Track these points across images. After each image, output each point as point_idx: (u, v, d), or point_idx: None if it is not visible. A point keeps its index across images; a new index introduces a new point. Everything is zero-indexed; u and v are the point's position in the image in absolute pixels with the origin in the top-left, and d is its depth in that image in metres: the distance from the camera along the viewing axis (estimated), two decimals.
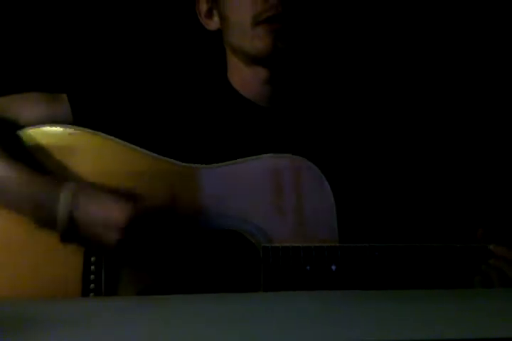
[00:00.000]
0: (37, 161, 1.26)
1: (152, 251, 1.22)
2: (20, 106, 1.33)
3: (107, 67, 1.68)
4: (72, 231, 1.18)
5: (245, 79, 1.40)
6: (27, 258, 1.23)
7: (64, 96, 1.35)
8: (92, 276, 1.22)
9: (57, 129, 1.30)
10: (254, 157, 1.29)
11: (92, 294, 1.21)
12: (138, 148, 1.29)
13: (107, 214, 1.17)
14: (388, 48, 1.75)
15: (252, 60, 1.36)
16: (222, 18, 1.38)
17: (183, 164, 1.28)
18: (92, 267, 1.23)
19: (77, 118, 1.33)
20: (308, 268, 1.23)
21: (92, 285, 1.22)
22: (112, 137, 1.29)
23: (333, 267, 1.23)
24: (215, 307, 0.95)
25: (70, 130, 1.30)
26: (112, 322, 0.87)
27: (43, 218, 1.20)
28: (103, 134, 1.29)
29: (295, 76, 1.43)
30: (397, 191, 1.45)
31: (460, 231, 1.47)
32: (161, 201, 1.25)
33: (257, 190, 1.28)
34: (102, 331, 0.82)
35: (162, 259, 1.24)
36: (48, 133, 1.29)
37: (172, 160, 1.28)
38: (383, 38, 1.74)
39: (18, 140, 1.28)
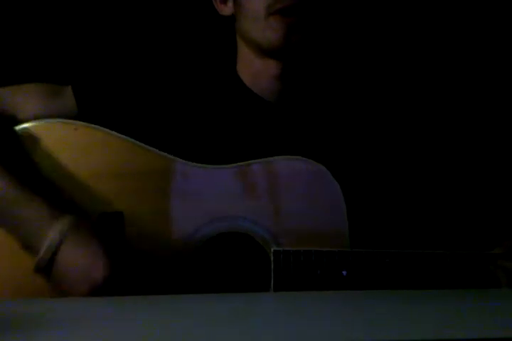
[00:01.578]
0: (36, 158, 1.25)
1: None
2: (21, 97, 1.30)
3: (112, 59, 1.67)
4: (47, 268, 1.15)
5: (255, 72, 1.38)
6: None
7: (68, 88, 1.34)
8: None
9: (59, 124, 1.28)
10: (263, 159, 1.28)
11: None
12: (143, 145, 1.27)
13: (87, 269, 1.14)
14: (402, 46, 1.73)
15: (263, 51, 1.34)
16: (237, 5, 1.36)
17: (190, 163, 1.27)
18: None
19: (82, 111, 1.31)
20: (318, 272, 1.22)
21: None
22: (117, 133, 1.27)
23: (344, 272, 1.22)
24: (215, 307, 0.95)
25: (73, 125, 1.27)
26: (112, 322, 0.86)
27: (27, 243, 1.17)
28: (108, 130, 1.27)
29: (307, 71, 1.41)
30: (410, 197, 1.44)
31: (470, 239, 1.46)
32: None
33: (266, 192, 1.27)
34: (102, 331, 0.82)
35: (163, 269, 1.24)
36: (50, 128, 1.27)
37: (179, 159, 1.27)
38: (396, 37, 1.73)
39: (16, 137, 1.26)
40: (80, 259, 1.14)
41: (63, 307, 0.98)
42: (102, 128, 1.27)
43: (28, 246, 1.17)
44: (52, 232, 1.15)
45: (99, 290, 1.13)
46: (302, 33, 1.31)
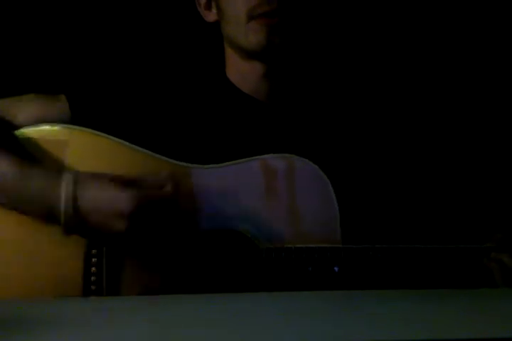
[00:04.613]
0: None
1: (155, 246, 1.22)
2: (17, 108, 1.30)
3: (104, 66, 1.67)
4: (75, 222, 1.17)
5: (243, 73, 1.40)
6: (25, 257, 1.22)
7: (62, 96, 1.34)
8: (93, 278, 1.22)
9: (55, 129, 1.28)
10: (255, 157, 1.28)
11: (93, 296, 1.20)
12: (138, 148, 1.27)
13: (112, 202, 1.16)
14: (387, 43, 1.74)
15: (248, 54, 1.36)
16: (220, 11, 1.38)
17: (183, 164, 1.27)
18: (93, 268, 1.22)
19: (76, 119, 1.31)
20: (310, 269, 1.23)
21: (93, 287, 1.22)
22: (111, 137, 1.27)
23: (336, 268, 1.23)
24: (215, 307, 0.95)
25: (69, 130, 1.28)
26: (112, 322, 0.86)
27: (45, 211, 1.18)
28: (103, 134, 1.27)
29: (293, 71, 1.42)
30: (401, 192, 1.45)
31: (462, 232, 1.48)
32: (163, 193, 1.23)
33: (258, 190, 1.27)
34: (102, 331, 0.82)
35: (163, 260, 1.23)
36: (45, 133, 1.27)
37: (172, 161, 1.27)
38: (382, 33, 1.74)
39: (16, 139, 1.26)
40: (102, 196, 1.17)
41: (63, 307, 0.98)
42: (97, 132, 1.28)
43: (46, 214, 1.18)
44: (64, 184, 1.17)
45: (134, 221, 1.16)
46: (284, 35, 1.33)
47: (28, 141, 1.26)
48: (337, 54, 1.73)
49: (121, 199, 1.16)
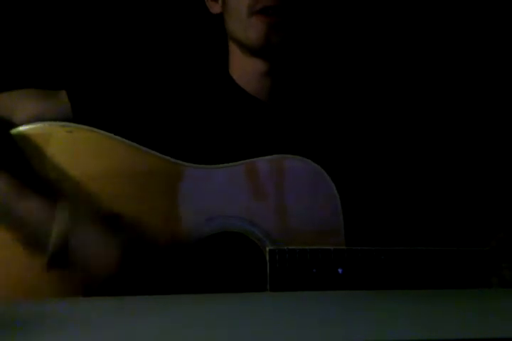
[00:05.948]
0: (32, 161, 1.24)
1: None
2: (15, 103, 1.31)
3: (106, 63, 1.68)
4: (61, 256, 1.16)
5: (245, 71, 1.40)
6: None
7: (63, 92, 1.34)
8: None
9: (54, 127, 1.28)
10: (258, 158, 1.28)
11: None
12: (138, 146, 1.28)
13: (102, 248, 1.16)
14: (390, 42, 1.74)
15: (248, 50, 1.36)
16: (224, 4, 1.38)
17: (185, 163, 1.28)
18: None
19: (77, 115, 1.32)
20: (314, 270, 1.23)
21: None
22: (111, 135, 1.27)
23: (340, 270, 1.23)
24: (215, 308, 0.95)
25: (68, 128, 1.28)
26: (112, 322, 0.86)
27: (34, 240, 1.18)
28: (103, 132, 1.27)
29: (296, 70, 1.42)
30: (404, 194, 1.45)
31: (465, 235, 1.47)
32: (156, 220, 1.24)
33: (261, 191, 1.28)
34: (102, 331, 0.82)
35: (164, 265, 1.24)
36: (45, 131, 1.27)
37: (173, 160, 1.28)
38: (384, 32, 1.74)
39: (12, 140, 1.26)
40: (92, 244, 1.16)
41: (63, 307, 0.98)
42: (96, 130, 1.27)
43: (35, 243, 1.17)
44: (56, 223, 1.16)
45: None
46: (283, 33, 1.33)
47: (26, 139, 1.26)
48: (340, 54, 1.73)
49: (111, 246, 1.16)
